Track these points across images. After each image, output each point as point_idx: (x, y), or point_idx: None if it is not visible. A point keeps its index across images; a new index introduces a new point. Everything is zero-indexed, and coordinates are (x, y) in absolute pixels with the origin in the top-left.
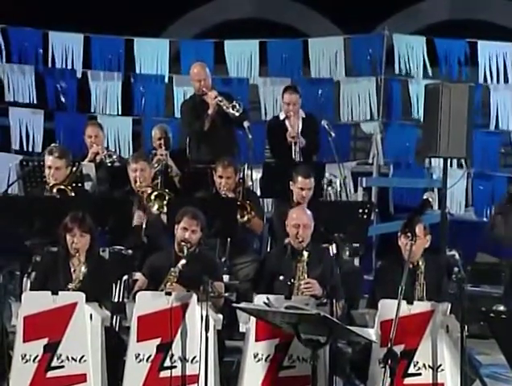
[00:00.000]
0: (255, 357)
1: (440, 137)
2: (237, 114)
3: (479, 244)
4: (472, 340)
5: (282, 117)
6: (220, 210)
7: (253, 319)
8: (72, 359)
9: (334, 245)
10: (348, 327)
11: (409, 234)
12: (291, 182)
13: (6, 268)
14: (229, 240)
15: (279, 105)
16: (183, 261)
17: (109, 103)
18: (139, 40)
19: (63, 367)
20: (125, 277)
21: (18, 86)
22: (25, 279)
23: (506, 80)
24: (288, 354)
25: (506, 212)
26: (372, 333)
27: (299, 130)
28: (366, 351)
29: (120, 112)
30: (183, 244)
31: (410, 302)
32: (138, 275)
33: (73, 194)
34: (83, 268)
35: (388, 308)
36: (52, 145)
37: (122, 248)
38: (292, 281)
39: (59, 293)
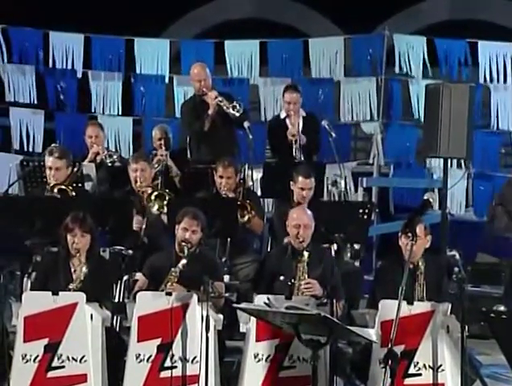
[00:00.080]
0: (255, 357)
1: (441, 137)
2: (237, 114)
3: (479, 244)
4: (473, 340)
5: (282, 116)
6: (220, 210)
7: (253, 319)
8: (73, 359)
9: (334, 245)
10: (349, 327)
11: (409, 234)
12: (291, 182)
13: (6, 268)
14: (229, 240)
15: (280, 105)
16: (183, 261)
17: (109, 103)
18: (140, 40)
19: (63, 367)
20: (126, 278)
21: (19, 86)
22: (25, 279)
23: (507, 80)
24: (288, 354)
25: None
26: (372, 333)
27: (300, 129)
28: (367, 352)
29: (120, 113)
30: (183, 244)
31: (410, 303)
32: (138, 275)
33: (74, 194)
34: (83, 269)
35: (388, 308)
36: (52, 145)
37: (123, 248)
38: (292, 281)
39: (60, 293)
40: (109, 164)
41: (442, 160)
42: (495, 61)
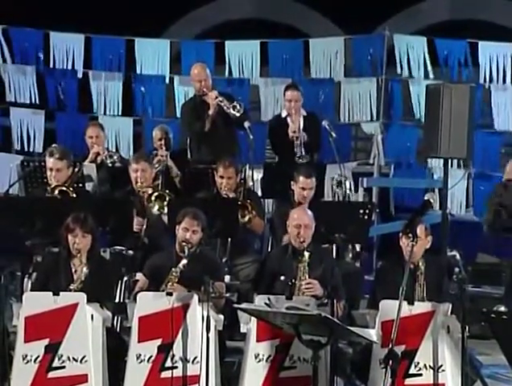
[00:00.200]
0: (256, 357)
1: (441, 137)
2: (237, 115)
3: (480, 244)
4: (473, 341)
5: (283, 115)
6: (221, 210)
7: (254, 320)
8: (73, 359)
9: (335, 246)
10: (349, 328)
11: (410, 235)
12: (292, 182)
13: (7, 268)
14: (229, 240)
15: (280, 105)
16: (184, 262)
17: (109, 103)
18: (140, 40)
19: (64, 367)
20: (126, 278)
21: (19, 86)
22: (26, 279)
23: (507, 81)
24: (289, 354)
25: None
26: (373, 333)
27: (301, 128)
28: (367, 352)
29: (121, 113)
30: (184, 244)
31: (410, 303)
32: (139, 275)
33: (74, 195)
34: (84, 269)
35: (389, 308)
36: (53, 146)
37: (123, 248)
38: (293, 281)
39: (61, 293)
40: (110, 164)
41: (442, 160)
42: (495, 61)
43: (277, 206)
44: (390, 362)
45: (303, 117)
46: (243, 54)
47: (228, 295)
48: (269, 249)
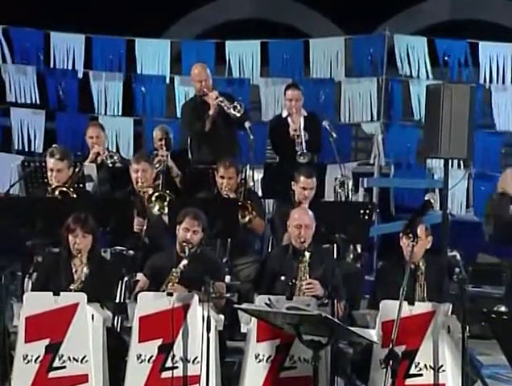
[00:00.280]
0: (256, 358)
1: (441, 137)
2: (238, 115)
3: (480, 244)
4: (474, 341)
5: (284, 114)
6: (221, 210)
7: (254, 320)
8: (74, 359)
9: (335, 246)
10: (350, 328)
11: (410, 235)
12: (292, 182)
13: (7, 268)
14: (230, 240)
15: (281, 106)
16: (184, 262)
17: (110, 103)
18: (140, 41)
19: (64, 367)
20: (127, 278)
21: (20, 86)
22: (26, 279)
23: (507, 81)
24: (289, 354)
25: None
26: (373, 334)
27: (302, 127)
28: (367, 352)
29: (121, 113)
30: (184, 244)
31: (411, 303)
32: (139, 275)
33: (75, 195)
34: (85, 269)
35: (389, 309)
36: (53, 146)
37: (124, 248)
38: (294, 281)
39: (61, 293)
40: (110, 165)
41: (443, 160)
42: (495, 61)
43: (277, 206)
44: (391, 362)
45: (304, 117)
46: (243, 54)
47: (228, 295)
48: (269, 249)
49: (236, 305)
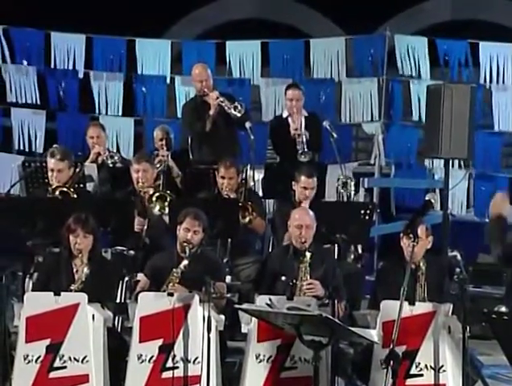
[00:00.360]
0: (257, 358)
1: (442, 138)
2: (238, 115)
3: (480, 244)
4: (474, 341)
5: (285, 115)
6: (222, 211)
7: (255, 320)
8: (75, 359)
9: (336, 246)
10: (350, 328)
11: (411, 235)
12: (293, 182)
13: (8, 268)
14: (230, 240)
15: (281, 106)
16: (185, 262)
17: (110, 103)
18: (141, 41)
19: (65, 367)
20: (128, 278)
21: (20, 86)
22: (27, 280)
23: (508, 81)
24: (290, 355)
25: None
26: (374, 334)
27: (303, 127)
28: (368, 352)
29: (122, 113)
30: (185, 244)
31: (411, 303)
32: (140, 276)
33: (75, 195)
34: (85, 269)
35: (390, 309)
36: (54, 146)
37: (124, 248)
38: (294, 281)
39: (62, 293)
40: (111, 165)
41: (443, 160)
42: (496, 61)
43: (278, 206)
44: (391, 362)
45: (305, 118)
46: (244, 54)
47: (229, 295)
48: (270, 250)
49: (236, 306)
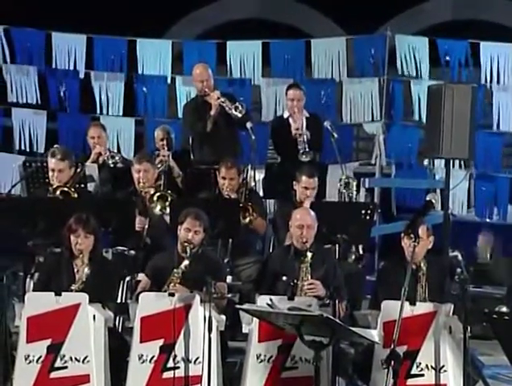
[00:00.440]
0: (258, 358)
1: (443, 138)
2: (239, 115)
3: None
4: (475, 341)
5: (285, 115)
6: (222, 211)
7: (255, 320)
8: (76, 359)
9: (337, 246)
10: (351, 328)
11: (412, 235)
12: (294, 182)
13: (9, 268)
14: (231, 240)
15: (282, 106)
16: (186, 262)
17: (111, 104)
18: (142, 41)
19: (66, 367)
20: (129, 278)
21: (21, 87)
22: (28, 280)
23: (508, 81)
24: (291, 355)
25: None
26: (374, 334)
27: (304, 128)
28: (369, 352)
29: (122, 113)
30: (186, 244)
31: (412, 303)
32: (141, 276)
33: (76, 195)
34: (86, 269)
35: (391, 309)
36: (54, 146)
37: (125, 248)
38: (295, 281)
39: (63, 293)
40: (112, 165)
41: (444, 161)
42: (496, 61)
43: (279, 206)
44: (392, 362)
45: (306, 119)
46: (245, 54)
47: (230, 296)
48: (271, 250)
49: (237, 306)
